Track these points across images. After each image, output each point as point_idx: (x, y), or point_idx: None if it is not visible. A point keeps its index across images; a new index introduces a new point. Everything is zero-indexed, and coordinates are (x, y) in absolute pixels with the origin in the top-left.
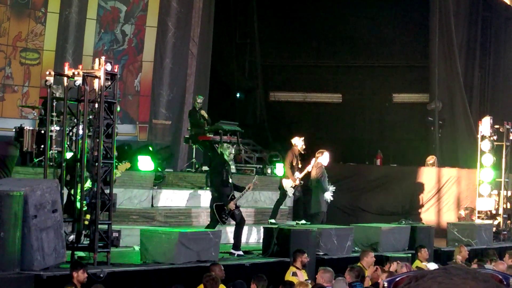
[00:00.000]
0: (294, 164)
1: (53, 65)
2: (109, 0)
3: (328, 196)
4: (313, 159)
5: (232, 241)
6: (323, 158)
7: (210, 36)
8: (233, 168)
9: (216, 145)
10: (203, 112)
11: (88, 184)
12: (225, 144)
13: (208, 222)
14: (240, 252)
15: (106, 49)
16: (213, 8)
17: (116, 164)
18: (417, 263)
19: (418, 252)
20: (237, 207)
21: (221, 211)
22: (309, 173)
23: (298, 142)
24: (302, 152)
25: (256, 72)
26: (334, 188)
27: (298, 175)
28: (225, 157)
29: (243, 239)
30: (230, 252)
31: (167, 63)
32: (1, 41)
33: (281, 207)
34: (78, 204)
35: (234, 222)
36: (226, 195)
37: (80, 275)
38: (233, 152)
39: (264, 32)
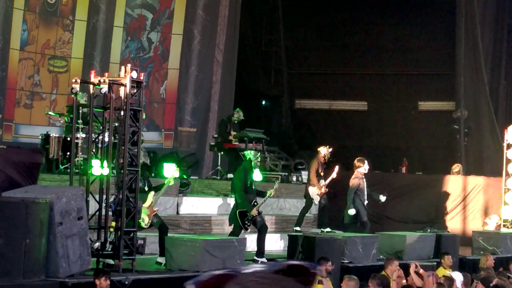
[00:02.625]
0: (319, 172)
1: (80, 73)
2: (135, 8)
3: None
4: (336, 167)
5: (254, 248)
6: (364, 167)
7: (236, 43)
8: (260, 176)
9: (241, 152)
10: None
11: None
12: (253, 151)
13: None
14: (264, 259)
15: (133, 56)
16: (238, 16)
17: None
18: (441, 270)
19: (442, 259)
20: (259, 213)
21: (244, 217)
22: (333, 180)
23: (323, 150)
24: (326, 161)
25: (281, 79)
26: (385, 197)
27: (324, 182)
28: (252, 164)
29: (268, 246)
30: (254, 259)
31: (192, 71)
32: (30, 48)
33: (306, 214)
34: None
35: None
36: (249, 201)
37: (102, 282)
38: (259, 159)
39: (290, 39)
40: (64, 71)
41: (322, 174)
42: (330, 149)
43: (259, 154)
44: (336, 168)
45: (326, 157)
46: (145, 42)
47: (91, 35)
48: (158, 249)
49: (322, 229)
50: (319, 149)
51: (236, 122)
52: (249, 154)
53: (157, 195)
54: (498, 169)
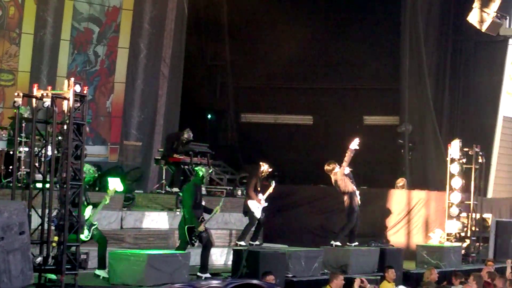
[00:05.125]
0: (256, 186)
1: (27, 86)
2: (82, 21)
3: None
4: (273, 182)
5: (197, 263)
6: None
7: (182, 57)
8: (203, 190)
9: (186, 166)
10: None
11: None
12: (205, 168)
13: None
14: (208, 275)
15: (79, 70)
16: (184, 30)
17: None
18: (385, 283)
19: (386, 272)
20: (205, 229)
21: (192, 233)
22: (270, 195)
23: (264, 167)
24: (262, 177)
25: (227, 93)
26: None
27: (262, 196)
28: (204, 180)
29: (212, 260)
30: (198, 275)
31: (138, 84)
32: None
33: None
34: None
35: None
36: (197, 217)
37: None
38: (209, 174)
39: (235, 53)
40: (10, 84)
41: (259, 189)
42: (270, 169)
43: (211, 170)
44: (273, 183)
45: (264, 174)
46: (91, 55)
47: (38, 48)
48: (97, 262)
49: (250, 242)
50: (261, 163)
51: (184, 142)
52: (201, 170)
53: (94, 211)
54: (442, 184)
